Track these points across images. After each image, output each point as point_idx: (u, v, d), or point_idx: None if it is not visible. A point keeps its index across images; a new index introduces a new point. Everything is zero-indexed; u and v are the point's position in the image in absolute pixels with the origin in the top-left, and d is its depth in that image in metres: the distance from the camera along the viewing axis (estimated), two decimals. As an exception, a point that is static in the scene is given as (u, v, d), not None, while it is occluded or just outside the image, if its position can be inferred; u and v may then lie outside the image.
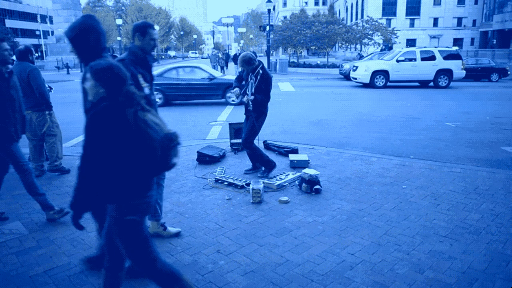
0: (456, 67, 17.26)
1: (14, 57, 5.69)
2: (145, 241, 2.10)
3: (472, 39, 50.84)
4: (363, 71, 17.54)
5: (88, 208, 2.06)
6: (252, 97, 4.69)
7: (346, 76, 20.86)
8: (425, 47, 19.22)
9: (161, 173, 2.04)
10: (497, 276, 2.72)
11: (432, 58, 17.24)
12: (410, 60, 17.31)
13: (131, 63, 2.94)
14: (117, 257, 2.21)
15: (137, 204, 2.02)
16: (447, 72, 17.20)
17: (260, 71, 4.69)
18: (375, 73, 17.21)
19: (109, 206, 2.05)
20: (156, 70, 11.21)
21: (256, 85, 4.70)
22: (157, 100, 11.38)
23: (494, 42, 44.13)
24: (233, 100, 12.02)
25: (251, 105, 4.74)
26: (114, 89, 1.93)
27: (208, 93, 12.16)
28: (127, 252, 2.08)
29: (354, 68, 18.47)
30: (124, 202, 2.00)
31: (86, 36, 2.56)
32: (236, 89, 4.86)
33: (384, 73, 17.20)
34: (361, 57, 26.40)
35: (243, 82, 4.94)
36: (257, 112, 4.81)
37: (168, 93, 11.84)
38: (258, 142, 5.18)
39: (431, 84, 17.72)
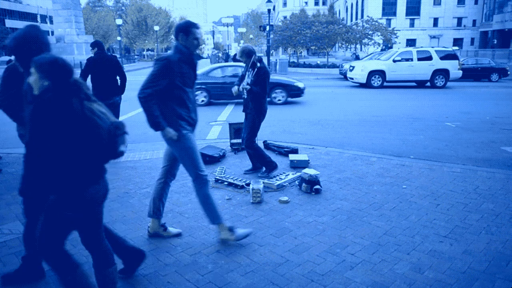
0: (453, 67, 17.30)
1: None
2: (66, 234, 2.11)
3: (472, 39, 50.85)
4: (359, 71, 17.59)
5: (37, 195, 2.09)
6: (248, 86, 4.68)
7: (346, 76, 20.90)
8: (421, 47, 19.25)
9: (108, 161, 2.09)
10: (497, 276, 2.72)
11: (429, 58, 17.28)
12: (407, 60, 17.35)
13: (180, 61, 2.93)
14: (101, 253, 2.23)
15: (80, 198, 2.02)
16: (444, 72, 17.24)
17: (258, 64, 4.69)
18: (372, 73, 17.25)
19: (50, 197, 2.05)
20: (200, 69, 11.31)
21: (253, 78, 4.70)
22: (202, 99, 11.46)
23: (495, 42, 44.11)
24: (279, 100, 12.19)
25: (245, 93, 4.74)
26: (59, 80, 1.95)
27: None
28: (42, 235, 2.07)
29: (351, 68, 18.53)
30: (68, 193, 2.00)
31: (28, 46, 2.56)
32: (236, 87, 4.86)
33: (381, 73, 17.23)
34: (357, 57, 26.25)
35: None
36: (255, 110, 4.80)
37: (213, 92, 11.86)
38: (258, 142, 5.17)
39: (428, 84, 17.75)
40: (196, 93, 3.19)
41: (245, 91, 4.72)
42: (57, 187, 2.00)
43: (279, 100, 12.15)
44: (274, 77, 12.96)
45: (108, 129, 1.97)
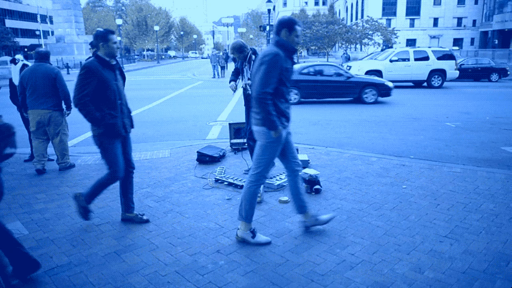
0: (450, 67, 17.35)
1: (21, 57, 5.75)
2: None
3: (472, 39, 50.82)
4: (356, 71, 17.63)
5: None
6: (249, 81, 4.68)
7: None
8: (418, 47, 19.26)
9: None
10: (497, 276, 2.72)
11: (426, 58, 17.33)
12: (404, 60, 17.37)
13: (285, 56, 2.95)
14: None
15: None
16: (441, 72, 17.26)
17: (253, 57, 4.67)
18: (368, 73, 17.27)
19: None
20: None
21: (251, 71, 4.70)
22: (294, 97, 11.68)
23: (496, 42, 44.09)
24: (369, 99, 12.34)
25: (249, 89, 4.74)
26: None
27: (344, 91, 12.36)
28: None
29: (348, 68, 18.57)
30: None
31: None
32: (232, 82, 4.84)
33: (378, 73, 17.25)
34: (348, 59, 25.79)
35: (240, 76, 4.95)
36: None
37: (304, 90, 12.01)
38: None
39: (425, 84, 17.76)
40: None
41: (248, 86, 4.72)
42: None
43: (370, 99, 12.34)
44: (364, 76, 13.24)
45: None
